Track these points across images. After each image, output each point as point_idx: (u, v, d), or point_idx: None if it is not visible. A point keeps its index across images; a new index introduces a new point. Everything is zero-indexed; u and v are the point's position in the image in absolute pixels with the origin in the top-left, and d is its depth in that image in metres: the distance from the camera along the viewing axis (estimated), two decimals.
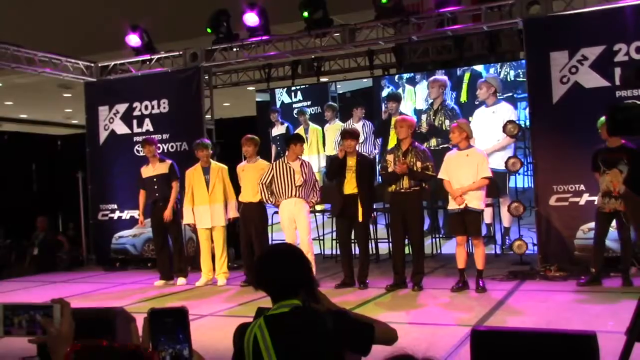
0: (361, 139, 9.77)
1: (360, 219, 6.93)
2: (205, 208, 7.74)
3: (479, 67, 9.55)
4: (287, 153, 7.36)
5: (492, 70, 9.46)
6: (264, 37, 9.12)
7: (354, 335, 2.32)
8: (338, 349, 2.25)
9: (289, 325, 2.24)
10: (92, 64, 10.39)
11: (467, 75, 9.59)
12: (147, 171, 8.15)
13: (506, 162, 7.91)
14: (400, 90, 10.08)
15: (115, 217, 10.17)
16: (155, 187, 7.99)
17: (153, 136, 8.93)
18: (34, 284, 8.72)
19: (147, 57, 9.97)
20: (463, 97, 9.60)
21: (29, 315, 1.61)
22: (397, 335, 2.54)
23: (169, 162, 8.15)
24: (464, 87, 9.59)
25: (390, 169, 6.75)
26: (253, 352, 2.20)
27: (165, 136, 9.72)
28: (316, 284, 2.47)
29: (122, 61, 10.29)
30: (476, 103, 9.43)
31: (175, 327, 1.49)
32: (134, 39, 9.69)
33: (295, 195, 7.16)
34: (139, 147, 9.99)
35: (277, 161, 7.48)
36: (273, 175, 7.25)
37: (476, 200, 6.49)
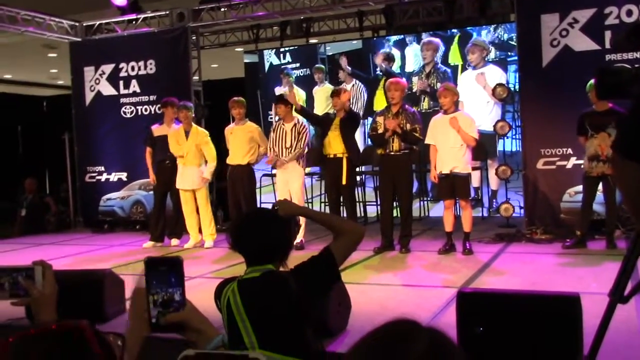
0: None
1: (343, 182, 6.95)
2: (181, 170, 7.73)
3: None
4: None
5: (484, 33, 9.37)
6: None
7: (316, 272, 2.34)
8: (305, 310, 2.29)
9: (258, 289, 2.28)
10: (77, 24, 10.20)
11: (457, 37, 9.51)
12: (160, 130, 8.06)
13: (495, 125, 7.91)
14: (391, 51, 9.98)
15: (103, 179, 10.12)
16: (167, 146, 7.88)
17: (174, 98, 8.56)
18: (21, 245, 8.70)
19: (133, 16, 9.80)
20: (452, 60, 9.53)
21: (12, 278, 1.61)
22: (360, 229, 2.55)
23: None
24: (452, 48, 9.51)
25: (380, 131, 6.75)
26: (227, 315, 2.26)
27: (152, 97, 9.62)
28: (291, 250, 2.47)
29: (108, 20, 10.11)
30: (467, 67, 9.37)
31: (168, 274, 1.52)
32: None
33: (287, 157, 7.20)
34: (126, 108, 9.91)
35: (276, 123, 7.47)
36: (271, 136, 7.32)
37: (463, 165, 6.51)
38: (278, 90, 10.39)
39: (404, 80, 7.31)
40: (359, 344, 1.00)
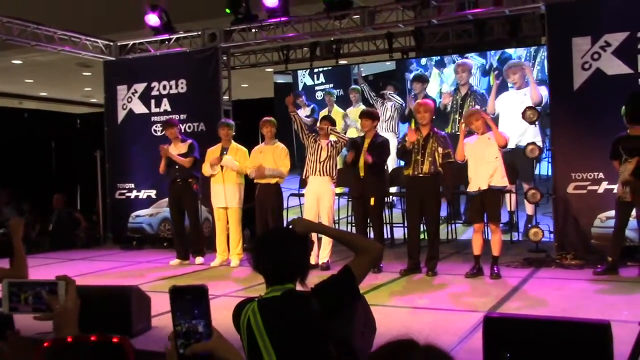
0: (387, 116, 9.82)
1: (372, 204, 6.94)
2: (220, 187, 7.79)
3: (510, 51, 9.44)
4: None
5: (524, 54, 9.32)
6: (282, 19, 9.08)
7: (336, 291, 2.33)
8: (326, 329, 2.27)
9: (279, 309, 2.26)
10: (111, 43, 10.42)
11: (495, 59, 9.49)
12: (170, 150, 8.17)
13: (524, 149, 7.82)
14: (427, 73, 9.98)
15: (132, 196, 10.25)
16: (177, 166, 8.02)
17: (173, 117, 8.90)
18: (51, 260, 8.83)
19: (166, 36, 9.97)
20: (492, 81, 9.50)
21: (35, 292, 1.62)
22: (377, 246, 2.58)
23: (189, 141, 8.19)
24: (491, 71, 9.49)
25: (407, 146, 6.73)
26: (247, 335, 2.24)
27: (182, 116, 9.75)
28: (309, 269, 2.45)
29: (141, 40, 10.31)
30: (510, 86, 9.29)
31: (192, 304, 1.51)
32: (153, 19, 9.70)
33: (320, 173, 7.20)
34: (157, 127, 10.05)
35: (313, 136, 7.42)
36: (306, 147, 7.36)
37: (498, 177, 6.42)
38: (301, 112, 10.52)
39: (430, 101, 7.28)
40: None
